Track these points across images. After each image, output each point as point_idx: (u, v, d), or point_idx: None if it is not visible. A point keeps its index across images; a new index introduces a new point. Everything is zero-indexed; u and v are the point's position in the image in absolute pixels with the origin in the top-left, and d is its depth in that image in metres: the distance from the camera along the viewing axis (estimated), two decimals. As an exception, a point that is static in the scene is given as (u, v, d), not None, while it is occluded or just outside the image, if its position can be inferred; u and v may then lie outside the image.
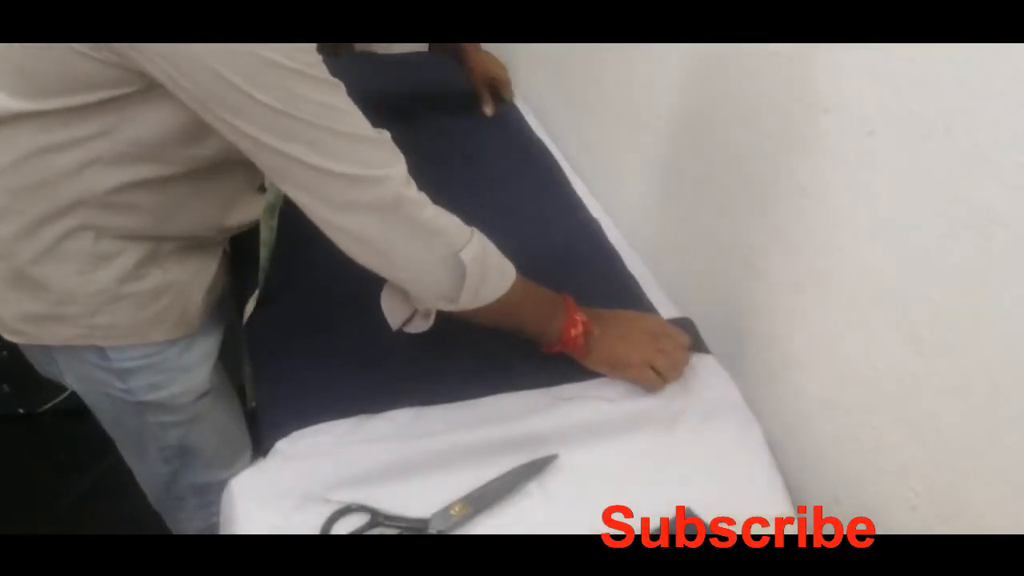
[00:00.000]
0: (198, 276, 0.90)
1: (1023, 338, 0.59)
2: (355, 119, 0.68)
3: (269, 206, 0.94)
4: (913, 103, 0.65)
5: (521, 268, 1.06)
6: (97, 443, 1.09)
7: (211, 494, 1.06)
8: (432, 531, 0.74)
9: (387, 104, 1.44)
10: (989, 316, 0.61)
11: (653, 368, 0.87)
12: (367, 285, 1.01)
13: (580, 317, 0.87)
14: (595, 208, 1.21)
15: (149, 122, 0.72)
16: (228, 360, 1.05)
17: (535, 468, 0.80)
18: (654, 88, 1.06)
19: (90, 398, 0.94)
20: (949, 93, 0.61)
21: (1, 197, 0.76)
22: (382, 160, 0.70)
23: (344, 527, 0.74)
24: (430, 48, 1.69)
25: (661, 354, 0.87)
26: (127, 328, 0.85)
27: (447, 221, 0.76)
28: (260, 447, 0.84)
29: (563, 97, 1.41)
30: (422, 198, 0.74)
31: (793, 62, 0.78)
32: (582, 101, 1.34)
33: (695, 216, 1.01)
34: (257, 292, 0.98)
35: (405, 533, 0.75)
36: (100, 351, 0.86)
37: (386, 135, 0.72)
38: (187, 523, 1.10)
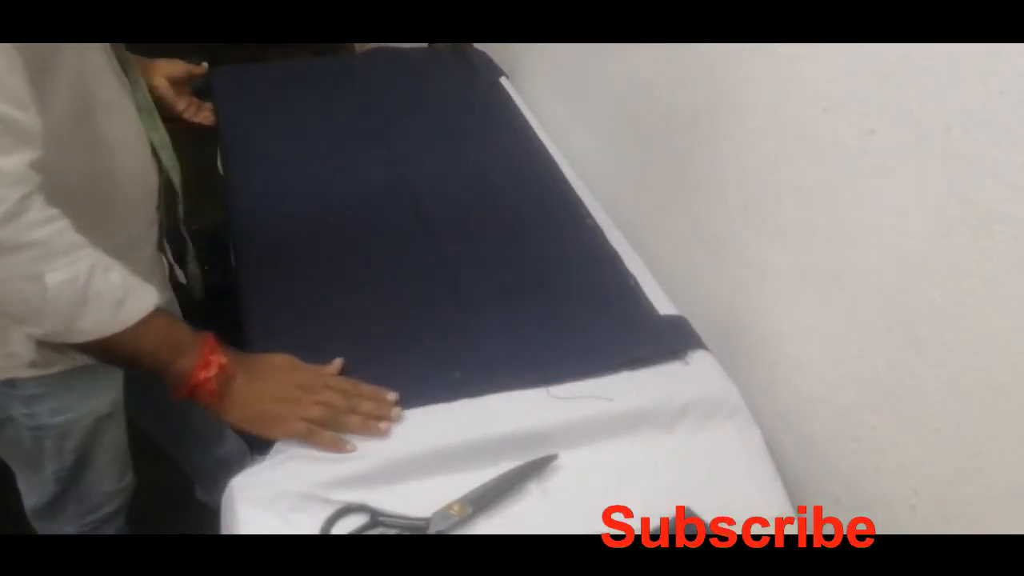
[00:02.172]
0: None
1: (1023, 338, 0.59)
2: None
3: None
4: (913, 103, 0.65)
5: (521, 269, 1.07)
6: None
7: (91, 502, 1.04)
8: (432, 531, 0.74)
9: (388, 103, 1.45)
10: (989, 316, 0.61)
11: (309, 420, 0.78)
12: (367, 287, 1.02)
13: (217, 359, 0.77)
14: (595, 208, 1.21)
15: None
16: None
17: (535, 468, 0.80)
18: (654, 88, 1.06)
19: None
20: (949, 93, 0.61)
21: None
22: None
23: (344, 527, 0.74)
24: (430, 46, 1.69)
25: (318, 406, 0.79)
26: (32, 359, 0.82)
27: (50, 235, 0.65)
28: (259, 445, 0.84)
29: (563, 97, 1.41)
30: (33, 209, 0.64)
31: (793, 62, 0.78)
32: (582, 101, 1.34)
33: (695, 215, 1.01)
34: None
35: (405, 533, 0.75)
36: (6, 379, 0.84)
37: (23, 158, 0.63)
38: (65, 526, 1.07)
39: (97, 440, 0.97)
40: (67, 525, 1.07)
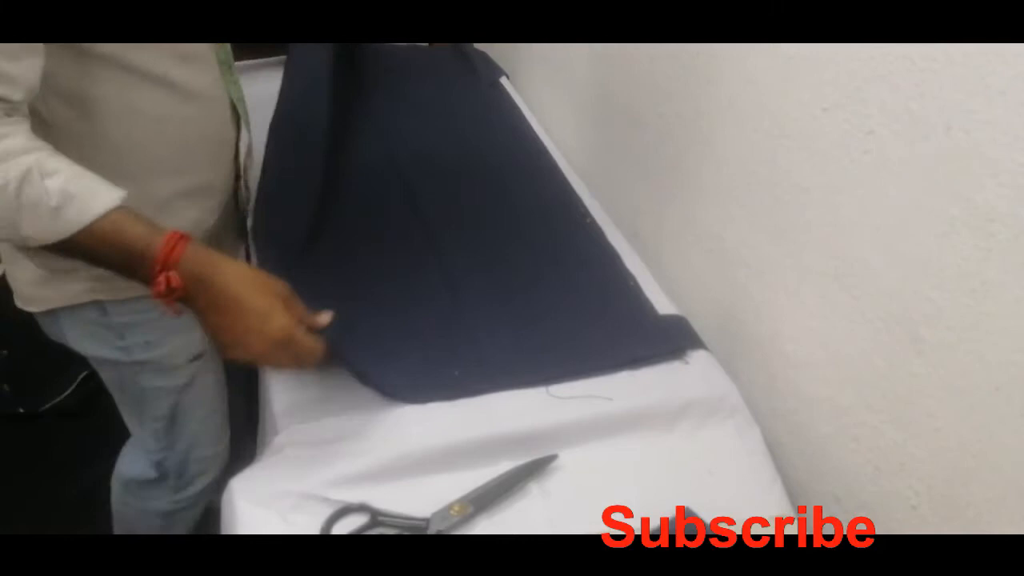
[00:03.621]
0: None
1: (1023, 338, 0.59)
2: None
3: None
4: (913, 103, 0.65)
5: (521, 268, 1.08)
6: (97, 443, 1.09)
7: (190, 473, 1.08)
8: (432, 531, 0.74)
9: (388, 102, 1.45)
10: (989, 316, 0.61)
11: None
12: (367, 286, 1.02)
13: (166, 278, 0.72)
14: (595, 207, 1.21)
15: None
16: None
17: (535, 468, 0.80)
18: (654, 87, 1.06)
19: (95, 360, 0.96)
20: (949, 93, 0.61)
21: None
22: None
23: (344, 527, 0.74)
24: (430, 46, 1.70)
25: (257, 358, 0.76)
26: (123, 281, 0.81)
27: None
28: (262, 446, 0.84)
29: (563, 97, 1.41)
30: None
31: (793, 62, 0.78)
32: (582, 101, 1.34)
33: (695, 215, 1.01)
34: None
35: (405, 533, 0.75)
36: (100, 307, 0.88)
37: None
38: (154, 501, 1.10)
39: (193, 387, 0.99)
40: (160, 502, 1.10)
